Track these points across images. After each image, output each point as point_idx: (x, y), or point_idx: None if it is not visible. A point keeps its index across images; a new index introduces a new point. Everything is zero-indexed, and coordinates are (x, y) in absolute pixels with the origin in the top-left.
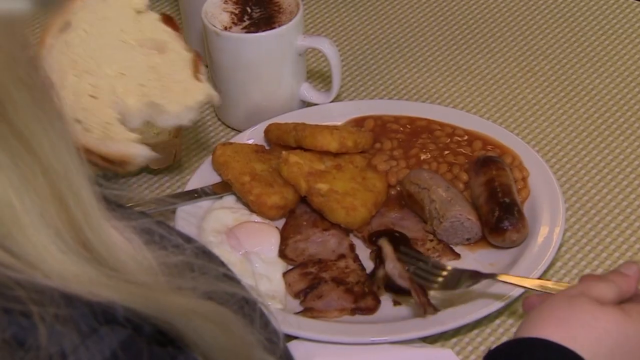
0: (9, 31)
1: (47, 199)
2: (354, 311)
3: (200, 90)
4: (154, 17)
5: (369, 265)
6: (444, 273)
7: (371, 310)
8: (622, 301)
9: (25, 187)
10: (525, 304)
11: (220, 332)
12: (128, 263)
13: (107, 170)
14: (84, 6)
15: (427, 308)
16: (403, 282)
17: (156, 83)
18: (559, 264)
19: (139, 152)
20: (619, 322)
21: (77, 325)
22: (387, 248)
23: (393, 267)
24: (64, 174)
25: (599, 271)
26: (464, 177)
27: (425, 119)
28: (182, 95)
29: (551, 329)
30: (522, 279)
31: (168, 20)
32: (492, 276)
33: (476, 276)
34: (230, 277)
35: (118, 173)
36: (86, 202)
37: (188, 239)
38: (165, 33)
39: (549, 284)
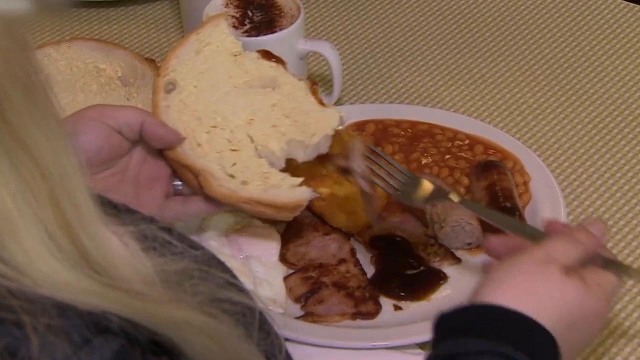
0: (6, 31)
1: (44, 203)
2: (355, 316)
3: (331, 116)
4: (253, 57)
5: (370, 270)
6: (410, 182)
7: (372, 315)
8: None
9: (22, 190)
10: (489, 248)
11: (214, 346)
12: (124, 270)
13: (274, 218)
14: (180, 63)
15: (374, 220)
16: (364, 185)
17: (287, 120)
18: None
19: (306, 195)
20: (582, 297)
21: (69, 336)
22: (359, 144)
23: (360, 165)
24: (61, 177)
25: None
26: (466, 181)
27: (427, 123)
28: (316, 126)
29: (521, 298)
30: (478, 207)
31: (267, 54)
32: (447, 194)
33: (437, 193)
34: (232, 285)
35: (286, 220)
36: (83, 206)
37: (193, 245)
38: (271, 68)
39: (512, 223)
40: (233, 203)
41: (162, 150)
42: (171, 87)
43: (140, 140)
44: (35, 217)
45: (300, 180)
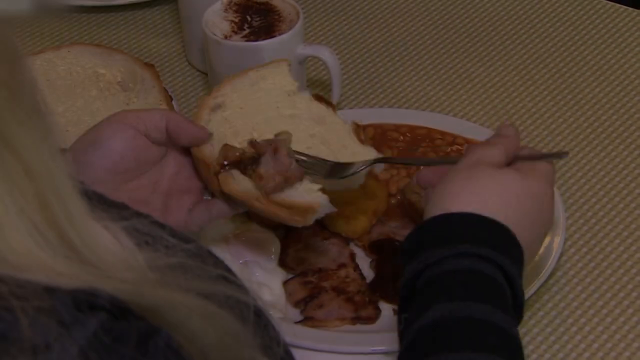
0: None
1: (30, 200)
2: (354, 320)
3: (368, 153)
4: (305, 97)
5: (369, 275)
6: (331, 164)
7: (372, 319)
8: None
9: (8, 187)
10: (420, 178)
11: (209, 330)
12: (115, 265)
13: (286, 221)
14: (233, 89)
15: (270, 190)
16: (285, 159)
17: (323, 147)
18: (559, 273)
19: (322, 202)
20: (520, 181)
21: (59, 315)
22: (285, 135)
23: (285, 142)
24: (47, 174)
25: (600, 280)
26: None
27: (426, 128)
28: (351, 159)
29: (463, 201)
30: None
31: (320, 98)
32: (376, 161)
33: (364, 162)
34: (227, 279)
35: (297, 225)
36: (69, 203)
37: (185, 239)
38: (320, 108)
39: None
40: (246, 200)
41: (190, 151)
42: (218, 108)
43: (168, 144)
44: (21, 213)
45: (318, 186)
